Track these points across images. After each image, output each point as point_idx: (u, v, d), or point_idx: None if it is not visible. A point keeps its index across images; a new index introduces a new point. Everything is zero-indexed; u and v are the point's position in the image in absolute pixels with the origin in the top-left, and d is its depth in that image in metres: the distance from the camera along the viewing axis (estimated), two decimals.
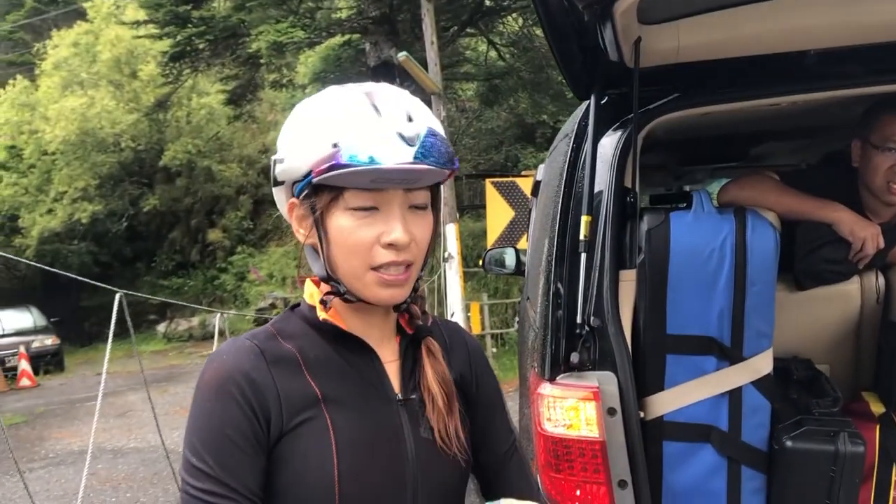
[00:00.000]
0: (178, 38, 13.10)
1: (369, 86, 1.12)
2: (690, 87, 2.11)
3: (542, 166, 3.54)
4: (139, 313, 17.64)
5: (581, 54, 1.92)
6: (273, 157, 1.15)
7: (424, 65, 9.03)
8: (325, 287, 1.15)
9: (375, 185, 1.05)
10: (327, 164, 1.02)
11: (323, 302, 1.14)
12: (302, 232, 1.15)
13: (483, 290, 12.52)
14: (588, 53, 1.91)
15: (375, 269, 1.09)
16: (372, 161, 1.01)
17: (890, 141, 2.16)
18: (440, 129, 1.09)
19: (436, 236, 1.19)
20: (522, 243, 7.41)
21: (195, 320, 19.82)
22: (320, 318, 1.15)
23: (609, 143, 2.11)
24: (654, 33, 1.91)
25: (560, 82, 14.17)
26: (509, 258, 4.75)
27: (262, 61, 12.74)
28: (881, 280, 2.23)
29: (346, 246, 1.08)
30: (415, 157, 1.02)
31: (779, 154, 4.12)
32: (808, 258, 2.18)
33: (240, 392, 1.06)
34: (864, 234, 2.13)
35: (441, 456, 1.17)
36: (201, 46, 13.28)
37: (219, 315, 6.38)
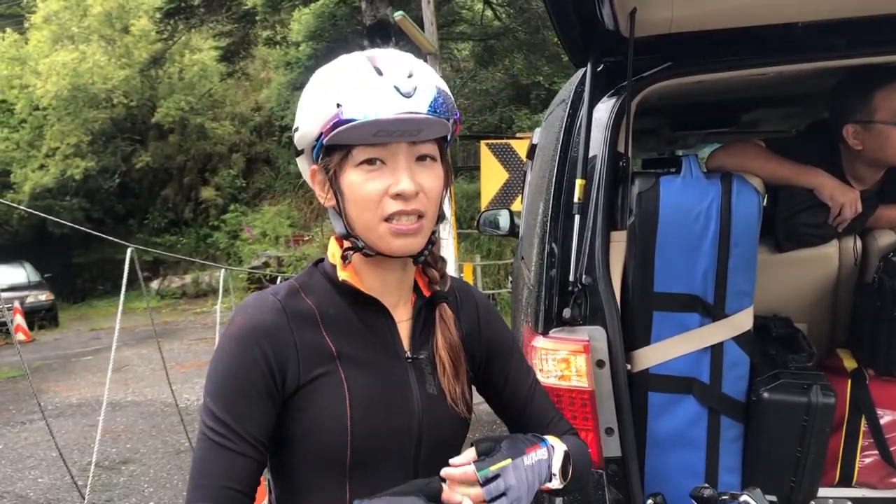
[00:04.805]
0: None
1: (374, 51, 1.19)
2: (682, 57, 2.19)
3: (538, 130, 3.62)
4: (131, 270, 17.39)
5: (579, 23, 1.99)
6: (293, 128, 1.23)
7: (420, 24, 8.99)
8: (345, 244, 1.22)
9: (378, 138, 1.12)
10: (332, 123, 1.11)
11: (343, 257, 1.22)
12: (323, 196, 1.22)
13: (476, 251, 12.64)
14: (585, 22, 1.98)
15: (388, 220, 1.15)
16: (371, 114, 1.08)
17: None
18: (443, 86, 1.16)
19: (447, 189, 1.25)
20: (517, 205, 7.45)
21: (188, 277, 19.85)
22: (340, 279, 1.21)
23: (604, 110, 2.19)
24: (649, 4, 1.97)
25: (556, 44, 14.08)
26: (503, 220, 4.81)
27: (256, 18, 12.63)
28: (859, 244, 2.33)
29: (357, 200, 1.16)
30: (412, 108, 1.10)
31: (769, 120, 4.19)
32: (789, 221, 2.27)
33: (259, 347, 1.14)
34: (843, 200, 2.22)
35: (445, 411, 1.26)
36: (196, 3, 13.16)
37: (223, 271, 6.48)
